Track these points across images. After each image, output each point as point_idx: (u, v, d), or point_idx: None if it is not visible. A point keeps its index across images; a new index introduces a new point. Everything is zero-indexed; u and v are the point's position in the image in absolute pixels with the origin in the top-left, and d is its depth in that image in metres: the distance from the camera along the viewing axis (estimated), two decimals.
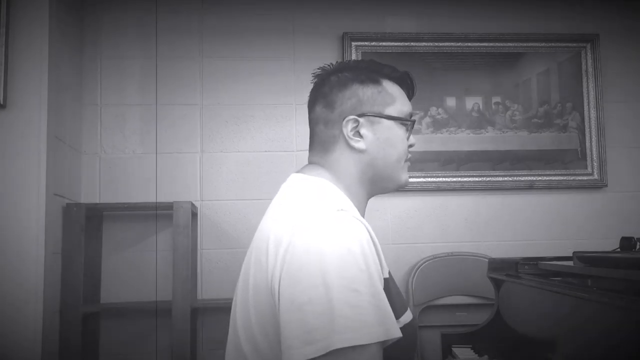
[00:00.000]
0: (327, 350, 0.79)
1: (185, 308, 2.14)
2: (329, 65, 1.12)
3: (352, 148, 1.05)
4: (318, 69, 1.12)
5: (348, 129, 1.04)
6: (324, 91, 1.08)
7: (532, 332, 1.46)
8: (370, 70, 1.09)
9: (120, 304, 2.32)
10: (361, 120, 1.05)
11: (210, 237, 2.46)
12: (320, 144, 1.08)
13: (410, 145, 1.10)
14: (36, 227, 1.92)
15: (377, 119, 1.05)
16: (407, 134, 1.09)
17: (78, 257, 2.14)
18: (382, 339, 0.82)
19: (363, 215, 1.07)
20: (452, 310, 2.47)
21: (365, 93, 1.06)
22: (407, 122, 1.08)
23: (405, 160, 1.09)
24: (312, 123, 1.11)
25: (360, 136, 1.05)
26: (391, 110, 1.06)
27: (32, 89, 1.97)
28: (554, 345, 1.28)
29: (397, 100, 1.08)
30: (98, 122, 2.46)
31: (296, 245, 0.87)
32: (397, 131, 1.07)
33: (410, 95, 1.13)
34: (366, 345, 0.80)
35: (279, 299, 0.86)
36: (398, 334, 0.84)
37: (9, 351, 1.86)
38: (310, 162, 1.11)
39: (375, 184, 1.08)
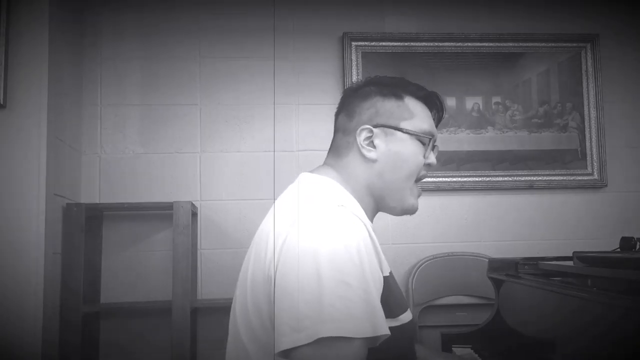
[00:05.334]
0: (314, 338, 0.81)
1: (185, 308, 2.14)
2: (360, 81, 1.16)
3: (363, 157, 1.06)
4: (353, 84, 1.17)
5: (362, 137, 1.07)
6: (348, 102, 1.12)
7: (532, 332, 1.46)
8: (394, 85, 1.11)
9: (120, 304, 2.32)
10: (375, 130, 1.07)
11: (210, 237, 2.46)
12: (336, 149, 1.11)
13: (429, 165, 1.10)
14: (36, 227, 1.92)
15: (391, 130, 1.07)
16: (424, 152, 1.08)
17: (78, 257, 2.14)
18: (368, 334, 0.83)
19: (371, 221, 1.08)
20: (452, 310, 2.47)
21: (384, 105, 1.08)
22: (422, 137, 1.08)
23: (417, 180, 1.09)
24: (335, 131, 1.15)
25: (374, 146, 1.06)
26: (407, 125, 1.07)
27: (32, 89, 1.97)
28: (554, 345, 1.28)
29: (416, 117, 1.08)
30: (98, 122, 2.46)
31: (294, 237, 0.89)
32: (410, 146, 1.07)
33: (439, 116, 1.14)
34: (352, 338, 0.82)
35: (274, 287, 0.88)
36: (385, 332, 0.85)
37: (9, 351, 1.86)
38: (324, 164, 1.13)
39: (382, 200, 1.08)
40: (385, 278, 0.94)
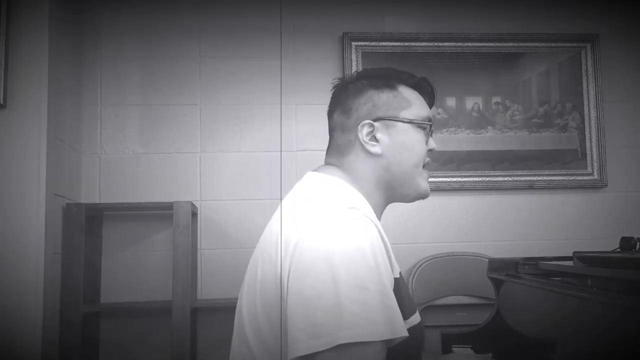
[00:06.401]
0: (333, 345, 0.80)
1: (185, 308, 2.14)
2: (347, 76, 1.16)
3: (368, 152, 1.05)
4: (337, 79, 1.14)
5: (363, 133, 1.05)
6: (342, 99, 1.10)
7: (532, 332, 1.46)
8: (386, 77, 1.10)
9: (120, 304, 2.32)
10: (376, 124, 1.05)
11: (210, 237, 2.46)
12: (337, 148, 1.09)
13: (430, 150, 1.10)
14: (36, 227, 1.93)
15: (392, 122, 1.06)
16: (426, 138, 1.09)
17: (78, 257, 2.14)
18: (387, 337, 0.82)
19: (379, 218, 1.07)
20: (452, 310, 2.47)
21: (380, 98, 1.07)
22: (422, 124, 1.08)
23: (424, 166, 1.09)
24: (331, 130, 1.12)
25: (376, 140, 1.05)
26: (406, 114, 1.07)
27: (32, 89, 1.97)
28: (554, 345, 1.28)
29: (413, 105, 1.08)
30: (98, 122, 2.46)
31: (306, 240, 0.88)
32: (413, 135, 1.07)
33: (430, 101, 1.14)
34: (371, 342, 0.81)
35: (287, 292, 0.87)
36: (404, 333, 0.85)
37: (9, 351, 1.86)
38: (326, 163, 1.11)
39: (394, 190, 1.08)
40: (395, 280, 0.94)
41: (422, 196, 1.11)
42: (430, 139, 1.11)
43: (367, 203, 1.03)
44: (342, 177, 1.05)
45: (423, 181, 1.09)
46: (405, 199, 1.11)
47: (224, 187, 2.49)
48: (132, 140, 2.47)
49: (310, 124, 2.52)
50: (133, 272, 2.40)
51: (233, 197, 2.48)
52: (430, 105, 1.14)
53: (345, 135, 1.07)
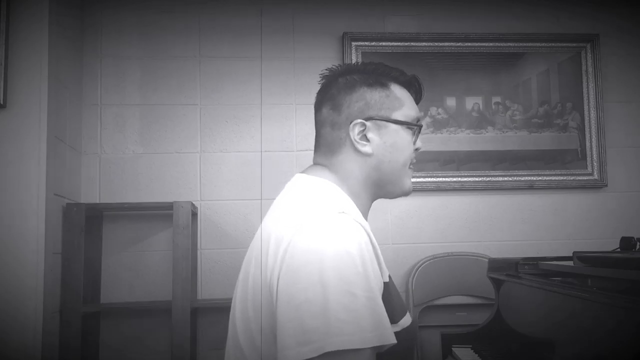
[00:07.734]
0: (321, 352, 0.80)
1: (185, 308, 2.14)
2: (336, 67, 1.11)
3: (358, 151, 1.04)
4: (325, 70, 1.11)
5: (355, 132, 1.04)
6: (332, 93, 1.08)
7: (532, 332, 1.46)
8: (378, 74, 1.08)
9: (120, 304, 2.32)
10: (368, 124, 1.04)
11: (210, 237, 2.46)
12: (326, 146, 1.08)
13: (417, 149, 1.10)
14: (36, 227, 1.92)
15: (384, 123, 1.05)
16: (414, 138, 1.08)
17: (78, 257, 2.14)
18: (375, 344, 0.82)
19: (366, 217, 1.07)
20: (452, 310, 2.47)
21: (373, 96, 1.06)
22: (414, 126, 1.07)
23: (410, 165, 1.09)
24: (318, 125, 1.11)
25: (367, 140, 1.04)
26: (398, 115, 1.06)
27: (32, 89, 1.97)
28: (554, 345, 1.28)
29: (404, 105, 1.07)
30: (98, 122, 2.46)
31: (296, 245, 0.87)
32: (403, 135, 1.06)
33: (417, 99, 1.13)
34: (360, 349, 0.81)
35: (276, 298, 0.86)
36: (392, 340, 0.85)
37: (9, 351, 1.86)
38: (315, 163, 1.10)
39: (380, 188, 1.07)
40: (385, 284, 0.94)
41: (405, 194, 1.10)
42: (417, 139, 1.10)
43: (355, 206, 1.02)
44: (331, 178, 1.04)
45: (408, 180, 1.09)
46: (388, 195, 1.10)
47: (224, 187, 2.49)
48: (132, 140, 2.47)
49: (310, 124, 2.49)
50: (133, 272, 2.40)
51: (233, 197, 2.48)
52: (417, 102, 1.13)
53: (335, 132, 1.06)
